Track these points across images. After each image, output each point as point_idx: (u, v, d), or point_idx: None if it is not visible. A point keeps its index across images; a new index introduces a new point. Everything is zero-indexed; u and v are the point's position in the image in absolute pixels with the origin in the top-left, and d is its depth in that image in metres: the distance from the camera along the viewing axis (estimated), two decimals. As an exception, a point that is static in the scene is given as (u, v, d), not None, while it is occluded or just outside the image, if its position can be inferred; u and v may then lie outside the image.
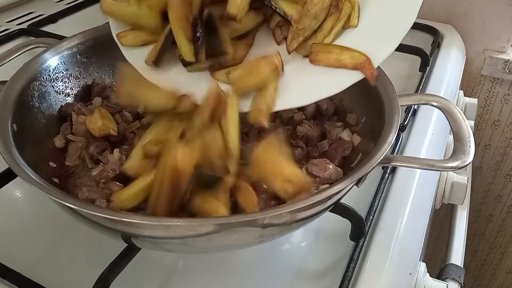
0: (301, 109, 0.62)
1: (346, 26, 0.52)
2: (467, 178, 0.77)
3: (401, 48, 0.87)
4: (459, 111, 0.54)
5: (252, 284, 0.51)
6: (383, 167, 0.64)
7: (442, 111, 0.55)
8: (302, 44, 0.52)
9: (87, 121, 0.57)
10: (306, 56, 0.52)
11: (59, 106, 0.61)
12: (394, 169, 0.65)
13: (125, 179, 0.49)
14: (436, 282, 0.58)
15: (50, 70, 0.61)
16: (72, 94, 0.63)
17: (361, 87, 0.60)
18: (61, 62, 0.62)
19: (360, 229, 0.54)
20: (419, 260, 0.57)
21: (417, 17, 0.49)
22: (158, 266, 0.53)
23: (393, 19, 0.50)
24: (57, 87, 0.61)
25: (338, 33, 0.52)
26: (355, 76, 0.49)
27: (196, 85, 0.51)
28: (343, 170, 0.55)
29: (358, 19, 0.51)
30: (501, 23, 1.03)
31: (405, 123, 0.72)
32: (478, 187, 1.33)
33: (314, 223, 0.50)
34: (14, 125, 0.51)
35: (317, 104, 0.62)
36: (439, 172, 0.72)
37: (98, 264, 0.47)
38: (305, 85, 0.51)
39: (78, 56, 0.64)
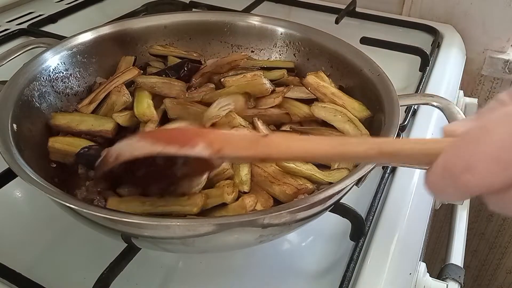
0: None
1: None
2: (467, 178, 0.76)
3: (401, 48, 0.89)
4: (459, 111, 0.54)
5: (252, 284, 0.51)
6: (383, 167, 0.64)
7: (442, 111, 0.55)
8: None
9: None
10: None
11: (59, 107, 0.61)
12: (394, 169, 0.65)
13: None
14: (436, 282, 0.58)
15: (50, 70, 0.61)
16: (72, 94, 0.63)
17: (361, 87, 0.60)
18: (61, 62, 0.62)
19: (360, 229, 0.54)
20: (419, 260, 0.57)
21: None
22: (158, 266, 0.53)
23: None
24: (57, 87, 0.61)
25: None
26: None
27: None
28: (343, 170, 0.55)
29: None
30: (501, 23, 1.02)
31: (405, 123, 0.72)
32: (478, 187, 1.33)
33: (314, 223, 0.50)
34: (14, 125, 0.51)
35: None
36: (439, 172, 0.72)
37: (98, 264, 0.47)
38: None
39: (78, 56, 0.64)
